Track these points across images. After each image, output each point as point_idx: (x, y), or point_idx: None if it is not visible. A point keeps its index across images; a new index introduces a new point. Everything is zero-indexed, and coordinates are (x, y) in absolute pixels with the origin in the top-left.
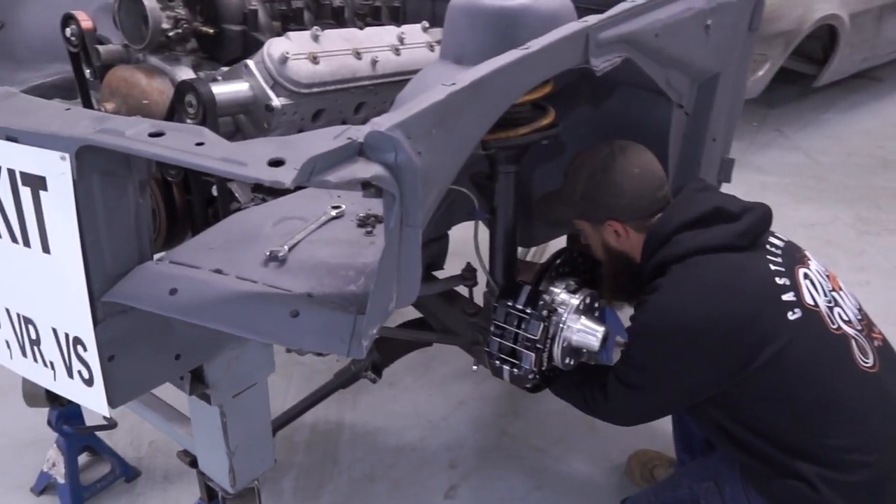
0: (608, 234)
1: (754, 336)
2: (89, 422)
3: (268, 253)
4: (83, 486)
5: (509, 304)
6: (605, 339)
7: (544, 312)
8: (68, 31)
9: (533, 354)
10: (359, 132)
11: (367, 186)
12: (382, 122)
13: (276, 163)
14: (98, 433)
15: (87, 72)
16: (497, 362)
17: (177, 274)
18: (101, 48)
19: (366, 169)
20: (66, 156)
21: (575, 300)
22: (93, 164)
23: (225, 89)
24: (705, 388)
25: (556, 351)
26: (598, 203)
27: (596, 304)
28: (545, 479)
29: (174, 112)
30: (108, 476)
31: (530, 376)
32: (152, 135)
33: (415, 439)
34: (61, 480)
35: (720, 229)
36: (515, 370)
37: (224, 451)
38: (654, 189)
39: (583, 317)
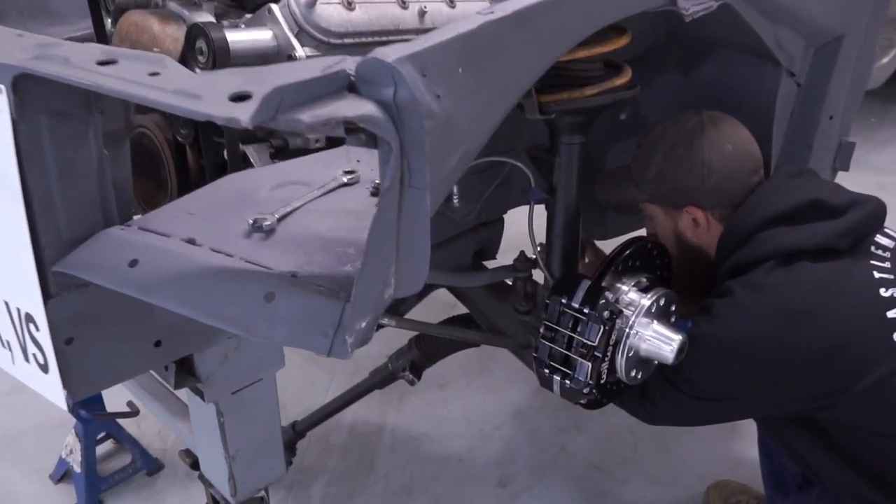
0: (684, 224)
1: (847, 363)
2: (112, 408)
3: (251, 221)
4: (101, 477)
5: (563, 301)
6: (681, 350)
7: (606, 314)
8: None
9: (589, 364)
10: (354, 62)
11: (352, 131)
12: (389, 53)
13: (240, 97)
14: (123, 421)
15: (108, 21)
16: (546, 371)
17: (142, 242)
18: None
19: (353, 106)
20: (2, 87)
21: (646, 301)
22: (39, 102)
23: (241, 36)
24: (772, 409)
25: (620, 361)
26: (677, 183)
27: (672, 308)
28: None
29: (185, 61)
30: (129, 468)
31: (584, 390)
32: (101, 63)
33: (462, 449)
34: (77, 469)
35: (816, 227)
36: (567, 382)
37: (223, 455)
38: (748, 172)
39: (655, 321)
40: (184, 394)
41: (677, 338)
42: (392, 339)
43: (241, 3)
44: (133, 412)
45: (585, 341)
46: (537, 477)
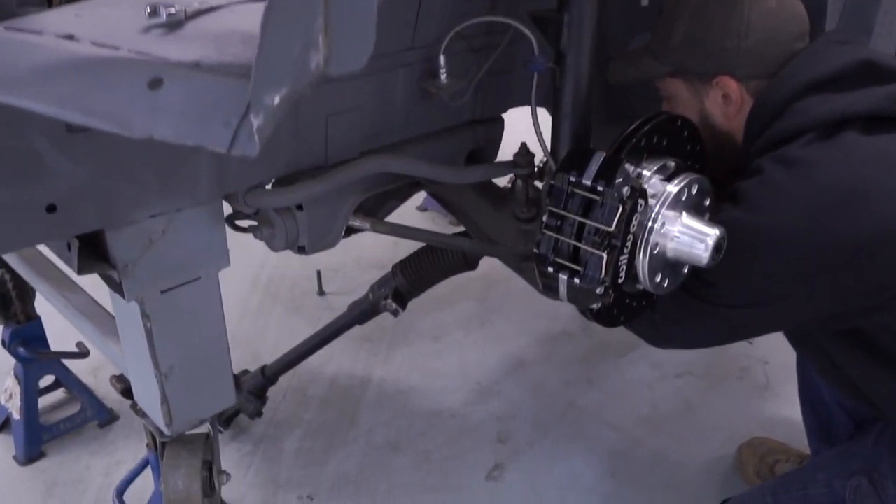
0: (712, 101)
1: None
2: (57, 347)
3: (149, 10)
4: (44, 426)
5: (572, 178)
6: (718, 249)
7: (625, 191)
8: None
9: (604, 255)
10: None
11: None
12: None
13: None
14: (75, 368)
15: None
16: (550, 269)
17: (3, 39)
18: None
19: None
20: None
21: (673, 187)
22: None
23: None
24: (811, 314)
25: (642, 262)
26: (707, 47)
27: (707, 201)
28: (621, 465)
29: None
30: (77, 417)
31: (598, 290)
32: None
33: (457, 404)
34: (16, 416)
35: (866, 92)
36: (576, 279)
37: (153, 373)
38: (792, 36)
39: (684, 214)
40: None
41: (713, 232)
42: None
43: None
44: (82, 353)
45: (600, 226)
46: (541, 433)
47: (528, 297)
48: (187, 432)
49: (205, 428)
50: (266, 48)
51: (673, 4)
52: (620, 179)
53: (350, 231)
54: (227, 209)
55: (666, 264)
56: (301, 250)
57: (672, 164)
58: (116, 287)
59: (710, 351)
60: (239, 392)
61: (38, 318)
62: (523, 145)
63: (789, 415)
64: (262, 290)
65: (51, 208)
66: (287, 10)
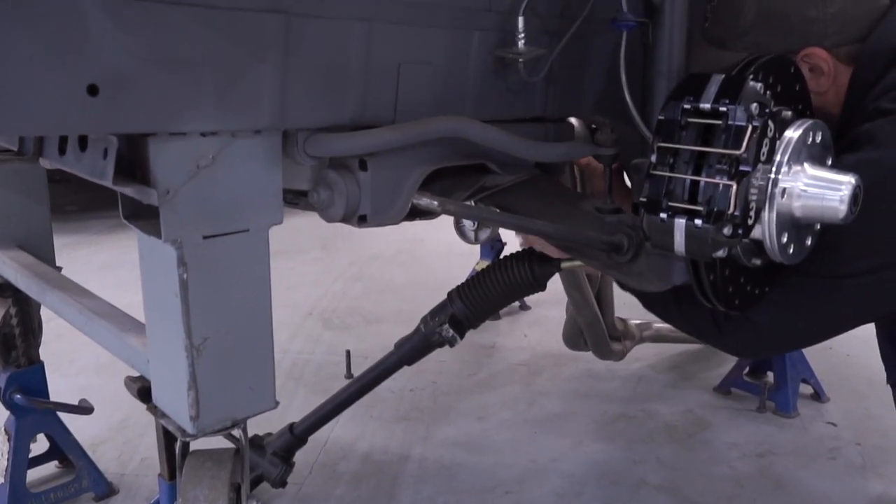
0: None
1: None
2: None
3: None
4: (32, 493)
5: (686, 105)
6: (856, 200)
7: (755, 107)
8: None
9: (733, 184)
10: None
11: None
12: None
13: None
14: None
15: None
16: (663, 216)
17: None
18: None
19: None
20: None
21: (795, 132)
22: None
23: None
24: None
25: (768, 219)
26: (786, 20)
27: (829, 157)
28: None
29: None
30: (70, 486)
31: (725, 229)
32: None
33: (510, 481)
34: (0, 479)
35: None
36: (698, 221)
37: (182, 342)
38: None
39: (808, 164)
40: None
41: (848, 179)
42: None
43: None
44: (85, 408)
45: (725, 151)
46: None
47: (579, 380)
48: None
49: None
50: None
51: None
52: (746, 100)
53: (415, 214)
54: None
55: (793, 224)
56: (361, 221)
57: (788, 112)
58: (150, 225)
59: (792, 432)
60: (262, 455)
61: (40, 364)
62: (604, 123)
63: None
64: (285, 374)
65: (92, 90)
66: None
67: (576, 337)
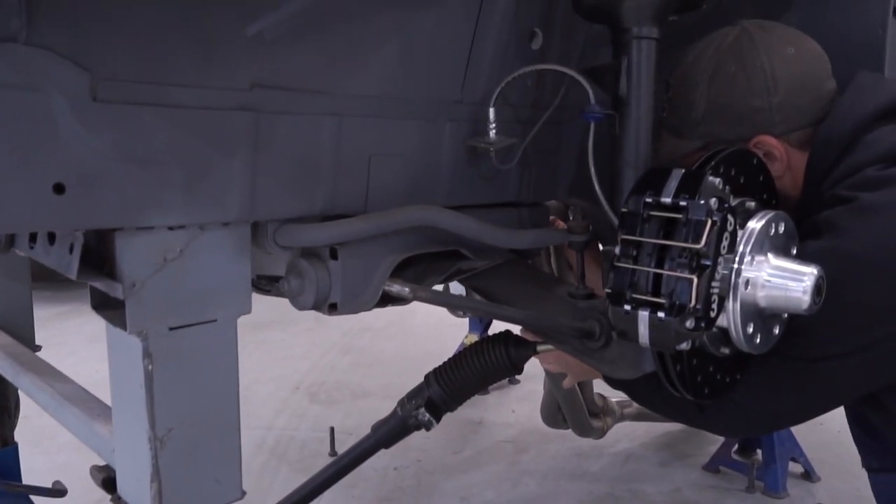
0: None
1: None
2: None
3: None
4: None
5: (648, 199)
6: (819, 291)
7: (713, 202)
8: None
9: (694, 277)
10: None
11: None
12: None
13: None
14: None
15: None
16: (627, 308)
17: None
18: None
19: None
20: None
21: (757, 223)
22: None
23: None
24: None
25: (732, 309)
26: (735, 111)
27: (794, 246)
28: None
29: None
30: None
31: (688, 322)
32: None
33: None
34: None
35: None
36: (661, 314)
37: (146, 433)
38: (821, 77)
39: (772, 255)
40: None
41: (811, 270)
42: None
43: None
44: (58, 490)
45: (686, 245)
46: None
47: (566, 458)
48: None
49: None
50: None
51: (682, 74)
52: (705, 194)
53: (387, 300)
54: None
55: (758, 314)
56: (332, 309)
57: (752, 203)
58: (117, 316)
59: None
60: None
61: (15, 445)
62: (577, 208)
63: None
64: (268, 452)
65: (58, 188)
66: None
67: (554, 414)
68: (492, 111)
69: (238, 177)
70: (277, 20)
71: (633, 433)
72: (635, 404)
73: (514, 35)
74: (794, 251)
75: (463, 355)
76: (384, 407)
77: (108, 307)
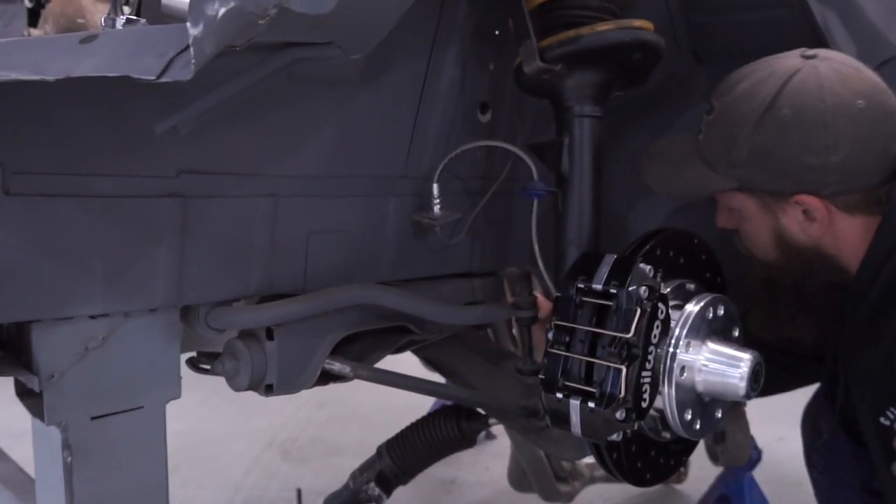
0: (790, 217)
1: None
2: None
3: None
4: None
5: (580, 285)
6: (756, 377)
7: (643, 291)
8: None
9: (623, 367)
10: None
11: None
12: None
13: None
14: None
15: None
16: (559, 396)
17: None
18: None
19: None
20: None
21: (694, 306)
22: None
23: None
24: None
25: (668, 395)
26: (783, 165)
27: (735, 330)
28: None
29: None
30: None
31: (619, 414)
32: None
33: None
34: None
35: None
36: (591, 404)
37: None
38: (886, 138)
39: (710, 339)
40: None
41: (747, 356)
42: None
43: None
44: None
45: (615, 334)
46: None
47: None
48: None
49: None
50: None
51: (730, 102)
52: (636, 281)
53: (327, 378)
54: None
55: (696, 400)
56: (268, 390)
57: (690, 285)
58: (35, 406)
59: None
60: None
61: None
62: (524, 283)
63: None
64: None
65: None
66: None
67: (520, 477)
68: (435, 187)
69: (164, 263)
70: (188, 117)
71: (607, 494)
72: None
73: (462, 108)
74: (736, 333)
75: (415, 427)
76: (356, 464)
77: (30, 395)
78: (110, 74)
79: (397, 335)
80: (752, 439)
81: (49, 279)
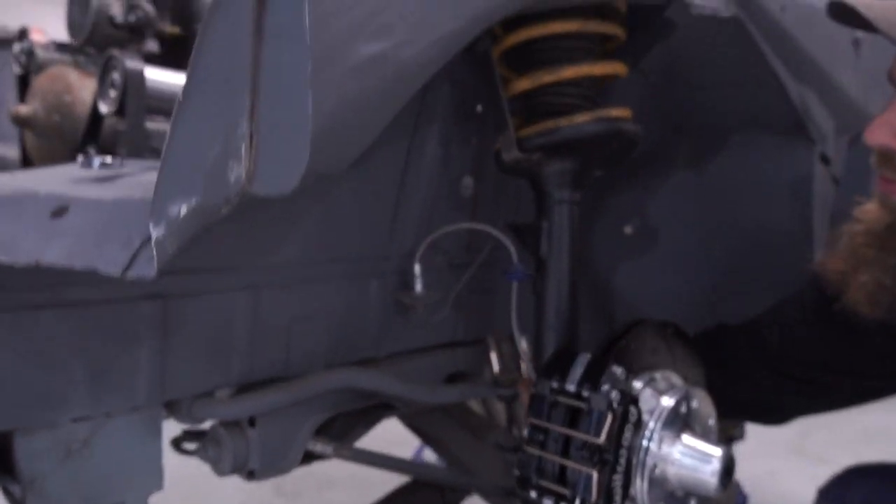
0: None
1: None
2: None
3: (81, 159)
4: None
5: (554, 385)
6: (728, 473)
7: (614, 395)
8: (18, 47)
9: (594, 472)
10: None
11: None
12: None
13: None
14: None
15: None
16: (533, 494)
17: None
18: (41, 51)
19: None
20: None
21: (668, 401)
22: None
23: (166, 77)
24: None
25: (641, 490)
26: None
27: (710, 421)
28: None
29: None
30: None
31: None
32: None
33: None
34: None
35: None
36: None
37: None
38: None
39: (685, 433)
40: None
41: (718, 452)
42: None
43: (182, 65)
44: None
45: (587, 438)
46: None
47: None
48: None
49: None
50: (174, 148)
51: None
52: (608, 384)
53: (309, 457)
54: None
55: (670, 494)
56: (250, 475)
57: (666, 378)
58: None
59: None
60: None
61: None
62: (509, 344)
63: None
64: None
65: None
66: (205, 106)
67: None
68: (417, 267)
69: (146, 363)
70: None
71: None
72: None
73: (444, 184)
74: (712, 421)
75: (395, 495)
76: (349, 499)
77: (14, 499)
78: (77, 267)
79: (380, 411)
80: (736, 484)
81: (30, 389)
